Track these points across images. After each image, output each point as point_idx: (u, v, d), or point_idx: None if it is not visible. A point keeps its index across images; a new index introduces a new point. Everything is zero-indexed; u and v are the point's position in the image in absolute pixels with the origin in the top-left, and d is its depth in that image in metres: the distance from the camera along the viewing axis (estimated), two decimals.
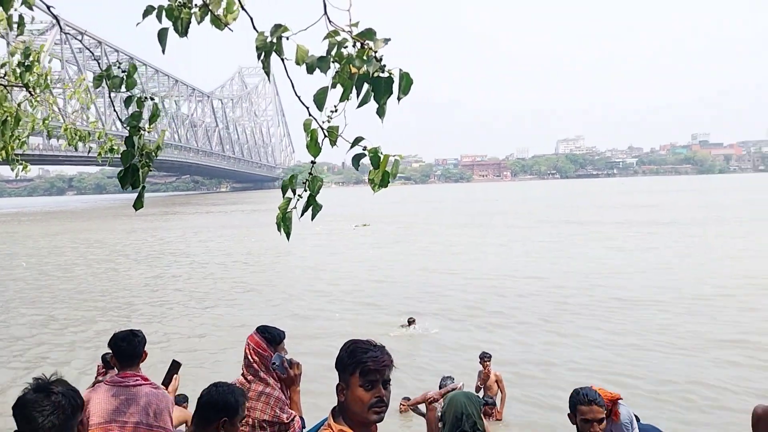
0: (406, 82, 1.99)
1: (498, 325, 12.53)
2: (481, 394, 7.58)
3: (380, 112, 2.04)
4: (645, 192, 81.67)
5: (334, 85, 1.98)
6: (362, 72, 1.98)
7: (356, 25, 1.99)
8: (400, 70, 1.99)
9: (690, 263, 19.65)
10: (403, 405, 7.58)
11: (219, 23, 2.26)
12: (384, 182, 2.22)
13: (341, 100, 1.97)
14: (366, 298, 15.72)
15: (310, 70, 1.93)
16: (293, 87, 2.31)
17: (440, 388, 6.16)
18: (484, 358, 7.94)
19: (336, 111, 2.18)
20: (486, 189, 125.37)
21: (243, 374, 3.01)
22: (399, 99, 2.00)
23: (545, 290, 15.84)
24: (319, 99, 1.99)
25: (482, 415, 6.58)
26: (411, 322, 11.89)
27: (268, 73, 2.03)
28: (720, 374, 9.10)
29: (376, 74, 2.00)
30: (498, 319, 13.06)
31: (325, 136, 2.19)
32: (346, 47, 1.96)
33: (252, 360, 2.96)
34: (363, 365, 1.84)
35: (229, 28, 2.30)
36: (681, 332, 11.42)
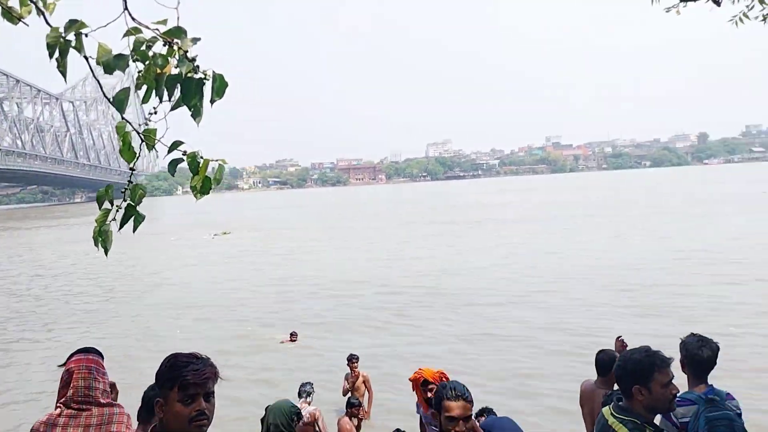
0: (220, 84, 1.92)
1: (351, 330, 12.88)
2: (348, 395, 7.64)
3: (194, 114, 1.95)
4: (499, 191, 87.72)
5: (139, 86, 1.86)
6: (172, 72, 1.88)
7: (164, 22, 1.89)
8: (214, 72, 1.92)
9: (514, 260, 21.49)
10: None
11: (12, 17, 2.04)
12: (205, 189, 2.13)
13: (143, 101, 1.85)
14: (209, 312, 15.29)
15: (108, 69, 1.79)
16: (101, 87, 2.14)
17: (299, 394, 6.14)
18: (352, 360, 8.01)
19: (155, 113, 2.07)
20: (360, 192, 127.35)
21: (69, 404, 2.75)
22: (212, 102, 1.92)
23: (393, 291, 16.59)
24: (119, 100, 1.86)
25: (350, 417, 6.64)
26: (293, 335, 11.89)
27: (63, 74, 1.86)
28: (548, 362, 10.03)
29: (189, 75, 1.91)
30: (350, 322, 13.45)
31: (142, 140, 2.06)
32: (152, 46, 1.85)
33: (93, 384, 2.75)
34: (182, 379, 1.79)
35: (24, 23, 2.08)
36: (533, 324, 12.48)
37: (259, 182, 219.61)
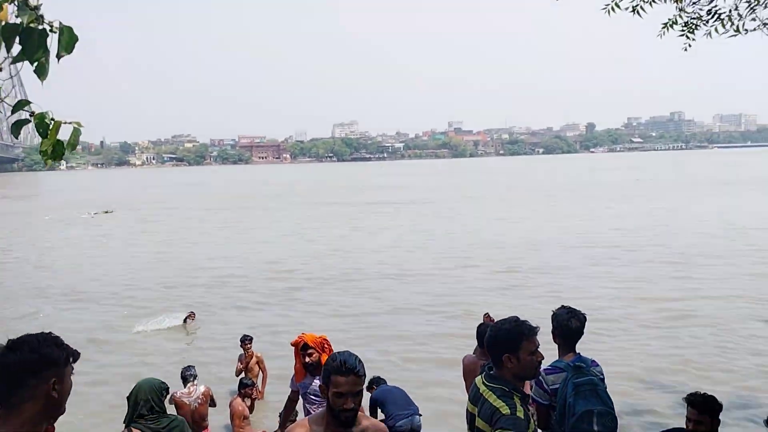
0: (69, 38, 1.73)
1: (241, 310, 12.70)
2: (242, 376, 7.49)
3: (39, 72, 1.75)
4: (399, 174, 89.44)
5: None
6: (9, 21, 1.67)
7: None
8: (61, 23, 1.73)
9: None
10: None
11: None
12: (57, 154, 1.93)
13: None
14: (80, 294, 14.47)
15: None
16: None
17: (185, 379, 5.93)
18: (245, 341, 7.85)
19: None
20: (263, 171, 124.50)
21: None
22: (59, 57, 1.73)
23: (267, 272, 16.50)
24: None
25: (243, 398, 6.50)
26: (191, 316, 11.46)
27: None
28: (433, 335, 10.52)
29: (31, 25, 1.71)
30: (239, 303, 13.30)
31: None
32: None
33: None
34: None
35: None
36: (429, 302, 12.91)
37: (154, 158, 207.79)
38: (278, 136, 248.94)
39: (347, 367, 2.32)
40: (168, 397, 4.46)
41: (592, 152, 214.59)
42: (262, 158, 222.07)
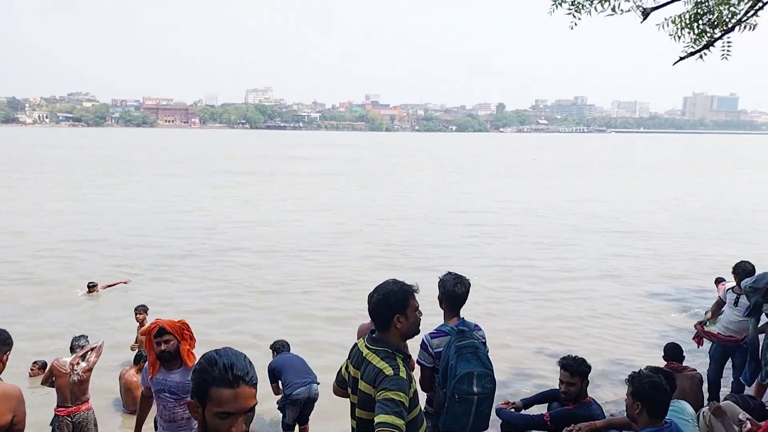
0: None
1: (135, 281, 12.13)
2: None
3: None
4: (320, 145, 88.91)
5: None
6: None
7: None
8: None
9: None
10: None
11: None
12: None
13: None
14: None
15: None
16: None
17: (71, 348, 5.59)
18: (139, 311, 7.53)
19: None
20: (167, 136, 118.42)
21: None
22: None
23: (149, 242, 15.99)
24: None
25: (138, 371, 6.23)
26: (92, 286, 10.72)
27: None
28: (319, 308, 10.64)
29: None
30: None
31: None
32: None
33: None
34: None
35: None
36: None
37: (47, 117, 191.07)
38: (187, 100, 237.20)
39: (235, 374, 1.55)
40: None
41: (502, 132, 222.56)
42: (169, 122, 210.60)
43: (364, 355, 2.78)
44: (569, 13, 3.51)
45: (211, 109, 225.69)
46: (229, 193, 27.31)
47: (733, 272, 6.07)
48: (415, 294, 2.84)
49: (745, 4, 3.91)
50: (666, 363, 5.62)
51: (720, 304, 6.29)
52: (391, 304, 2.77)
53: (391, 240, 16.74)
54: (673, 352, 5.69)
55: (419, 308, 2.85)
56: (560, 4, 3.52)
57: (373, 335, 2.83)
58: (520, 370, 8.08)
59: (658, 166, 51.80)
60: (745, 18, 3.92)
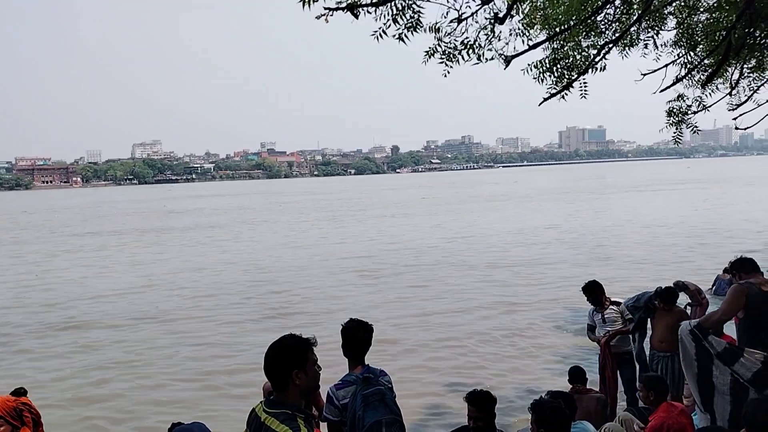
0: None
1: None
2: None
3: None
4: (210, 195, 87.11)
5: None
6: None
7: None
8: None
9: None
10: None
11: None
12: None
13: None
14: None
15: None
16: None
17: None
18: None
19: None
20: (44, 197, 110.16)
21: None
22: None
23: None
24: None
25: None
26: None
27: None
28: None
29: None
30: None
31: None
32: None
33: None
34: None
35: None
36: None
37: None
38: (67, 158, 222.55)
39: None
40: None
41: (399, 172, 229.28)
42: (47, 182, 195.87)
43: (262, 420, 2.64)
44: (441, 62, 3.73)
45: (95, 166, 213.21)
46: (76, 257, 25.42)
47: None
48: (314, 347, 2.76)
49: (594, 50, 4.38)
50: (571, 386, 5.88)
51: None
52: (289, 359, 2.67)
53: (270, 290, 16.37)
54: (575, 375, 5.96)
55: (318, 362, 2.78)
56: (432, 55, 3.73)
57: (271, 398, 2.71)
58: (431, 408, 8.08)
59: (537, 196, 55.85)
60: (595, 62, 4.38)
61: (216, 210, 54.66)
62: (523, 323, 12.11)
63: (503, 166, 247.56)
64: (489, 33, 3.47)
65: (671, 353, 5.81)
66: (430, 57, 3.73)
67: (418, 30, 3.53)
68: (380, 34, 3.56)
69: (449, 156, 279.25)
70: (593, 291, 6.47)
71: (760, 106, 6.10)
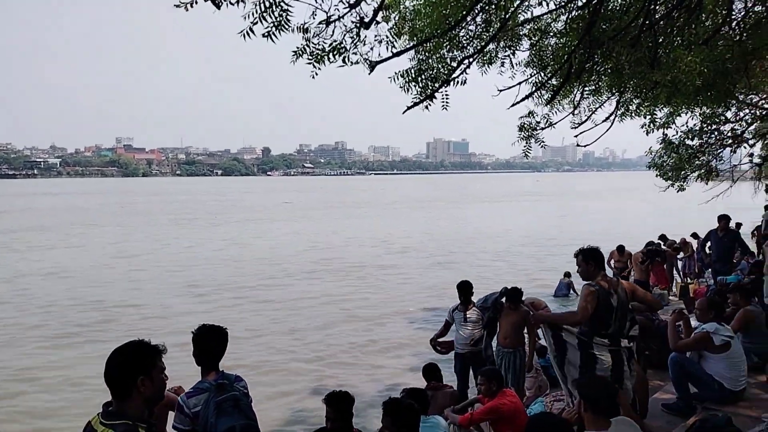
0: None
1: None
2: None
3: None
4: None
5: None
6: None
7: None
8: None
9: None
10: None
11: None
12: None
13: None
14: None
15: None
16: None
17: None
18: None
19: None
20: None
21: None
22: None
23: None
24: None
25: None
26: None
27: None
28: None
29: None
30: None
31: None
32: None
33: None
34: None
35: None
36: None
37: None
38: None
39: None
40: None
41: (269, 175, 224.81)
42: None
43: None
44: (309, 63, 3.71)
45: None
46: None
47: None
48: (162, 354, 2.58)
49: (457, 63, 4.64)
50: (427, 383, 6.11)
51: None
52: (135, 365, 2.47)
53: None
54: (430, 372, 6.20)
55: (165, 371, 2.60)
56: (300, 55, 3.70)
57: (109, 408, 2.48)
58: (293, 413, 7.99)
59: (403, 203, 58.03)
60: (455, 75, 4.64)
61: (37, 210, 48.96)
62: (382, 326, 12.46)
63: (375, 174, 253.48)
64: (355, 37, 3.51)
65: (514, 349, 6.29)
66: (298, 57, 3.69)
67: (286, 29, 3.47)
68: (247, 32, 3.45)
69: (322, 161, 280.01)
70: (466, 290, 6.79)
71: (596, 125, 6.83)
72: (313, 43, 3.72)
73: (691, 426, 4.18)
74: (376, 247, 25.00)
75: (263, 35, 3.51)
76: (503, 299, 6.45)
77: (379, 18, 3.56)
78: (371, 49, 3.60)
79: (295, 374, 9.50)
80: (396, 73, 4.64)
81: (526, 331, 6.41)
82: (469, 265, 20.12)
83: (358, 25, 3.50)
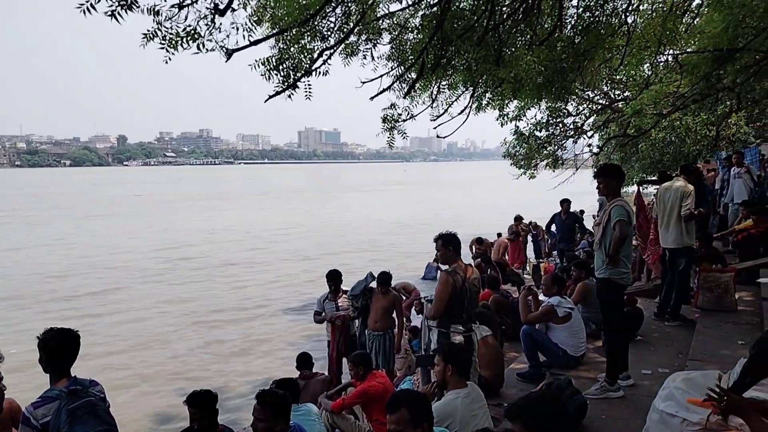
0: None
1: None
2: None
3: None
4: None
5: None
6: None
7: None
8: None
9: None
10: None
11: None
12: None
13: None
14: None
15: None
16: None
17: None
18: None
19: None
20: None
21: None
22: None
23: None
24: None
25: None
26: None
27: None
28: None
29: None
30: None
31: None
32: None
33: None
34: None
35: None
36: None
37: None
38: None
39: None
40: None
41: (126, 165, 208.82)
42: None
43: None
44: (162, 48, 3.53)
45: None
46: None
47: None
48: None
49: (318, 53, 4.66)
50: (300, 372, 6.14)
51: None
52: None
53: None
54: (302, 361, 6.24)
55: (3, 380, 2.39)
56: (152, 39, 3.50)
57: None
58: (158, 415, 7.63)
59: (273, 193, 56.77)
60: (317, 66, 4.66)
61: None
62: (252, 320, 12.24)
63: (244, 163, 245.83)
64: (210, 24, 3.39)
65: (384, 332, 6.53)
66: (149, 41, 3.49)
67: (134, 9, 3.26)
68: (88, 8, 3.19)
69: (186, 150, 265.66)
70: (336, 279, 6.88)
71: (453, 118, 7.22)
72: (165, 27, 3.53)
73: (539, 389, 4.65)
74: (242, 242, 24.11)
75: (106, 14, 3.27)
76: (372, 283, 6.65)
77: (235, 5, 3.48)
78: (227, 36, 3.51)
79: (158, 378, 9.04)
80: (257, 61, 4.57)
81: (395, 314, 6.68)
82: (338, 254, 20.36)
83: (212, 11, 3.39)
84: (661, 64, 11.32)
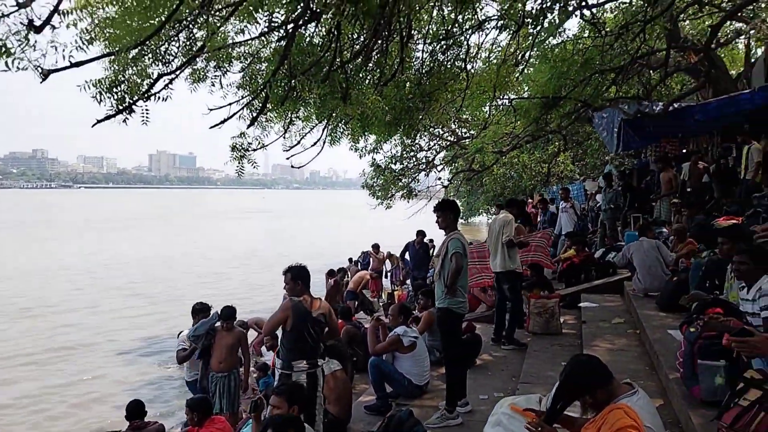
0: None
1: None
2: None
3: None
4: None
5: None
6: None
7: None
8: None
9: None
10: None
11: None
12: None
13: None
14: None
15: None
16: None
17: None
18: None
19: None
20: None
21: None
22: None
23: None
24: None
25: None
26: None
27: None
28: None
29: None
30: None
31: None
32: None
33: None
34: None
35: None
36: None
37: None
38: None
39: None
40: None
41: None
42: None
43: None
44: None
45: None
46: None
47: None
48: None
49: (157, 77, 4.43)
50: (129, 423, 5.59)
51: None
52: None
53: None
54: (133, 411, 5.69)
55: None
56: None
57: None
58: None
59: (110, 221, 51.81)
60: (156, 91, 4.42)
61: None
62: (83, 365, 10.97)
63: (85, 187, 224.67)
64: (23, 40, 3.04)
65: (229, 372, 6.18)
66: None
67: None
68: None
69: (14, 171, 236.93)
70: (206, 311, 6.48)
71: (306, 149, 7.24)
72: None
73: (381, 423, 4.69)
74: (58, 279, 20.85)
75: None
76: (217, 323, 6.29)
77: (56, 23, 3.16)
78: (44, 55, 3.16)
79: None
80: (87, 82, 4.20)
81: (240, 352, 6.37)
82: (180, 288, 18.92)
83: (27, 27, 3.05)
84: (500, 107, 12.45)
